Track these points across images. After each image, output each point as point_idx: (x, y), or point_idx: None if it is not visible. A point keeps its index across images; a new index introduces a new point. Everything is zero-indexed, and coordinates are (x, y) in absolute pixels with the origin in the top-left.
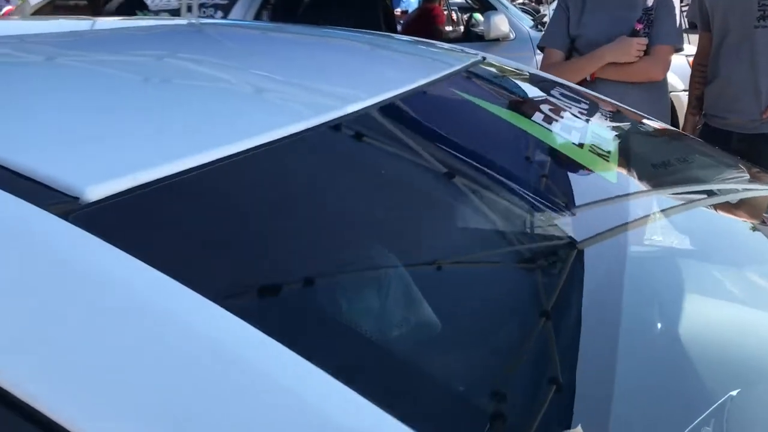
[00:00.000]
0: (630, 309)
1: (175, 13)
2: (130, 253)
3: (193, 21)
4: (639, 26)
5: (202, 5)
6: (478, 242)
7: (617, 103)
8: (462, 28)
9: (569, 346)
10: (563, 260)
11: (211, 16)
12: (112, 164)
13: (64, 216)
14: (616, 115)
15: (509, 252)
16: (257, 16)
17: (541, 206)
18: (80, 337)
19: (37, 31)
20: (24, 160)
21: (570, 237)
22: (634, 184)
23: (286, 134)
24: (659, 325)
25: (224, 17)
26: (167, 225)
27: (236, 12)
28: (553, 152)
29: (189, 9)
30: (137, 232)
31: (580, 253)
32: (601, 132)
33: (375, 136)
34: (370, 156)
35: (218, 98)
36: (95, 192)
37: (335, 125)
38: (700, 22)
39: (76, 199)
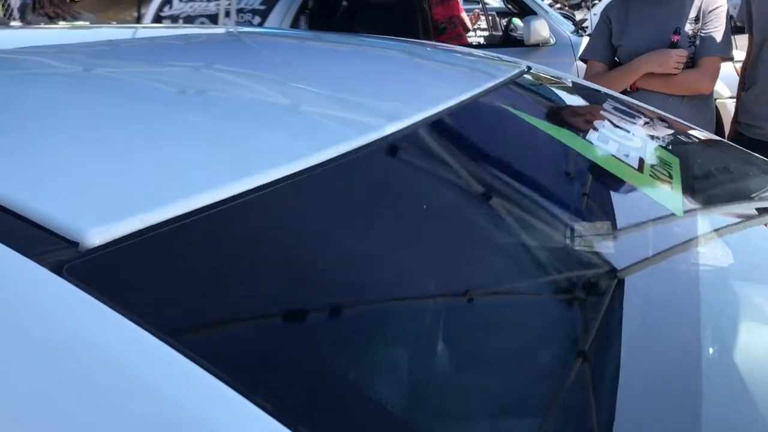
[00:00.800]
0: (683, 348)
1: (213, 18)
2: (137, 320)
3: (231, 30)
4: (676, 38)
5: (239, 11)
6: (523, 275)
7: (667, 114)
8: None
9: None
10: (613, 292)
11: (249, 22)
12: (121, 202)
13: (58, 268)
14: (670, 129)
15: (560, 284)
16: (294, 22)
17: (595, 235)
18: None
19: (59, 42)
20: (14, 195)
21: (631, 268)
22: (699, 208)
23: (314, 163)
24: (716, 370)
25: (262, 23)
26: (185, 279)
27: (273, 18)
28: (611, 177)
29: (227, 14)
30: (147, 288)
31: (630, 282)
32: (660, 151)
33: (409, 158)
34: (403, 180)
35: (246, 122)
36: (99, 236)
37: (372, 148)
38: (747, 25)
39: (75, 245)
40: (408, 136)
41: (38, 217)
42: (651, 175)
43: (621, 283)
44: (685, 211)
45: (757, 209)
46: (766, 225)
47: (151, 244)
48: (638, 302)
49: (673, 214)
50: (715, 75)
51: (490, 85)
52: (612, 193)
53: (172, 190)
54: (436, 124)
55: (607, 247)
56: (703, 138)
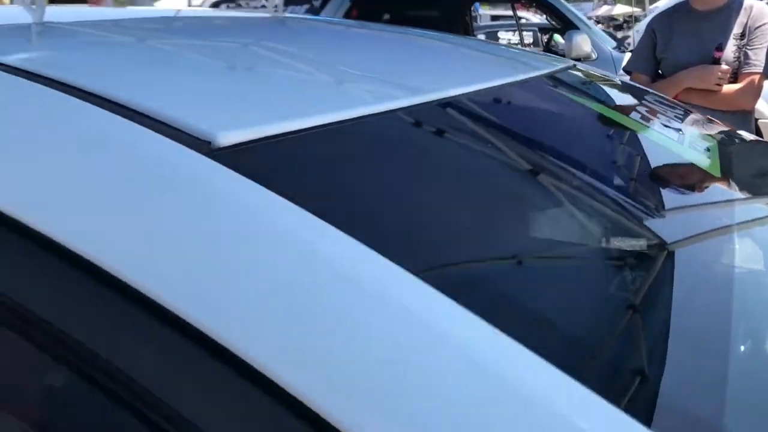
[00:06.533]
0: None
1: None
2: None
3: (291, 15)
4: (718, 54)
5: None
6: (569, 239)
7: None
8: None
9: (658, 340)
10: (655, 259)
11: None
12: (238, 118)
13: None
14: (711, 125)
15: (603, 249)
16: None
17: (638, 203)
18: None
19: (141, 17)
20: (166, 111)
21: (665, 237)
22: (735, 187)
23: (382, 110)
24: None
25: None
26: (287, 171)
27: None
28: (653, 146)
29: (275, 9)
30: (265, 172)
31: (672, 253)
32: (698, 136)
33: (463, 127)
34: (459, 147)
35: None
36: (226, 138)
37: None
38: None
39: (208, 143)
40: (456, 104)
41: (183, 125)
42: (690, 147)
43: (659, 251)
44: (722, 173)
45: None
46: None
47: (268, 147)
48: (684, 270)
49: (712, 177)
50: (757, 92)
51: (543, 71)
52: (651, 160)
53: (276, 115)
54: (482, 99)
55: (648, 216)
56: (749, 137)
